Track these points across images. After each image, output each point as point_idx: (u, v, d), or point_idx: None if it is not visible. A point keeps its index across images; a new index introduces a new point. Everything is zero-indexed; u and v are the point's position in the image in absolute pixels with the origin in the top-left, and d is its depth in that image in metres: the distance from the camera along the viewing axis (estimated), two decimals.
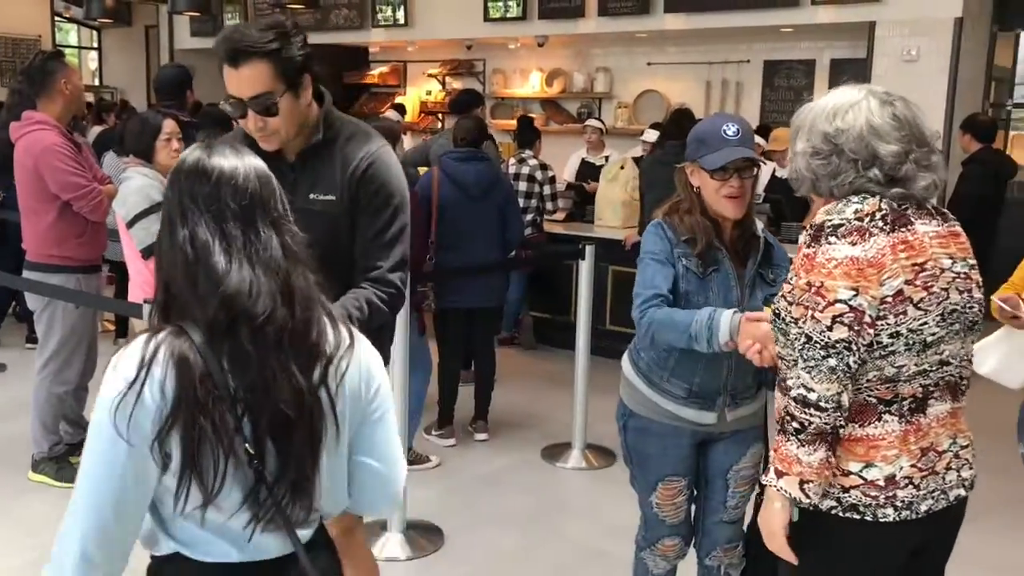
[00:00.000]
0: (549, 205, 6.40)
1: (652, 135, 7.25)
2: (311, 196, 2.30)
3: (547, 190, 6.27)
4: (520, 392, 5.76)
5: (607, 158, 7.31)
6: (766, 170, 6.41)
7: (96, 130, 8.05)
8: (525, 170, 6.25)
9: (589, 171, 7.35)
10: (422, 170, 5.72)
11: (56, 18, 11.45)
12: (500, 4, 8.76)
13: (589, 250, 4.50)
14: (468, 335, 4.90)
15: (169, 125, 4.19)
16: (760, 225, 2.53)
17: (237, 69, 2.15)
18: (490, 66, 10.27)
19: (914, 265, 1.76)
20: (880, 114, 1.82)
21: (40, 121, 3.90)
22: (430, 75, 10.60)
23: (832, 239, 1.76)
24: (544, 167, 6.30)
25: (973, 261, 1.88)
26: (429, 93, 10.67)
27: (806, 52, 8.34)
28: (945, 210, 1.93)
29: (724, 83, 8.80)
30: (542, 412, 5.40)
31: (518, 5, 8.64)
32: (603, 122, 7.73)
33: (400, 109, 8.99)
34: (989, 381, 2.72)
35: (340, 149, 2.33)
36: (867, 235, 1.75)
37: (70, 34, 13.33)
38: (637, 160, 7.36)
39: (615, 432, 2.74)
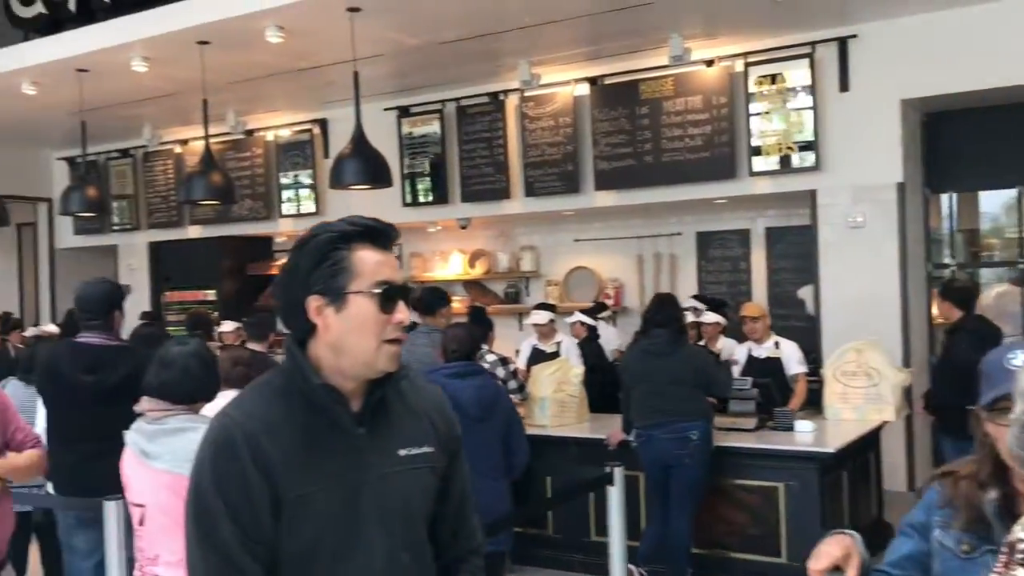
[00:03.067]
0: (516, 398, 5.79)
1: (579, 317, 6.81)
2: (400, 452, 1.74)
3: (512, 384, 5.68)
4: None
5: (559, 343, 6.81)
6: (740, 350, 6.04)
7: None
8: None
9: (542, 360, 6.80)
10: None
11: None
12: (420, 188, 8.42)
13: (618, 474, 3.87)
14: None
15: None
16: None
17: (389, 253, 1.74)
18: (407, 249, 9.82)
19: None
20: None
21: None
22: None
23: None
24: (504, 361, 5.73)
25: None
26: None
27: (739, 222, 8.25)
28: None
29: (657, 256, 8.58)
30: None
31: (437, 188, 8.32)
32: (552, 308, 7.25)
33: None
34: None
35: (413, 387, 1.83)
36: None
37: None
38: (582, 344, 6.90)
39: None
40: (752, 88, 6.95)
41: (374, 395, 1.72)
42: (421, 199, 8.44)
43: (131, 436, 2.93)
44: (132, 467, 2.91)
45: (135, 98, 8.17)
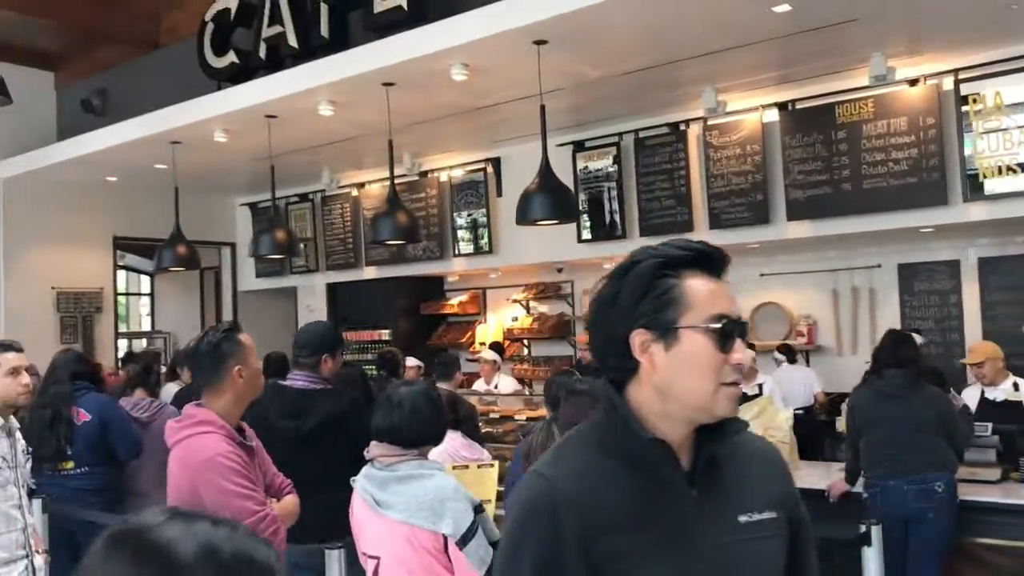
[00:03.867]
0: None
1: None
2: (740, 519, 1.48)
3: None
4: None
5: (761, 386, 6.38)
6: (970, 392, 5.47)
7: (171, 388, 7.27)
8: None
9: (743, 403, 6.42)
10: None
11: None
12: (597, 223, 8.20)
13: (876, 533, 3.45)
14: None
15: None
16: None
17: (722, 282, 1.49)
18: (579, 287, 9.61)
19: None
20: None
21: (203, 421, 2.82)
22: (514, 300, 9.92)
23: None
24: None
25: None
26: (516, 319, 9.93)
27: (948, 252, 7.61)
28: None
29: (854, 290, 8.03)
30: None
31: (615, 223, 8.07)
32: (751, 346, 6.81)
33: (497, 348, 8.04)
34: None
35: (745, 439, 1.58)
36: None
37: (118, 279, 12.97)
38: None
39: None
40: (964, 107, 6.39)
41: (705, 449, 1.47)
42: (597, 234, 8.21)
43: (361, 483, 2.79)
44: (364, 516, 2.76)
45: (318, 143, 8.35)
